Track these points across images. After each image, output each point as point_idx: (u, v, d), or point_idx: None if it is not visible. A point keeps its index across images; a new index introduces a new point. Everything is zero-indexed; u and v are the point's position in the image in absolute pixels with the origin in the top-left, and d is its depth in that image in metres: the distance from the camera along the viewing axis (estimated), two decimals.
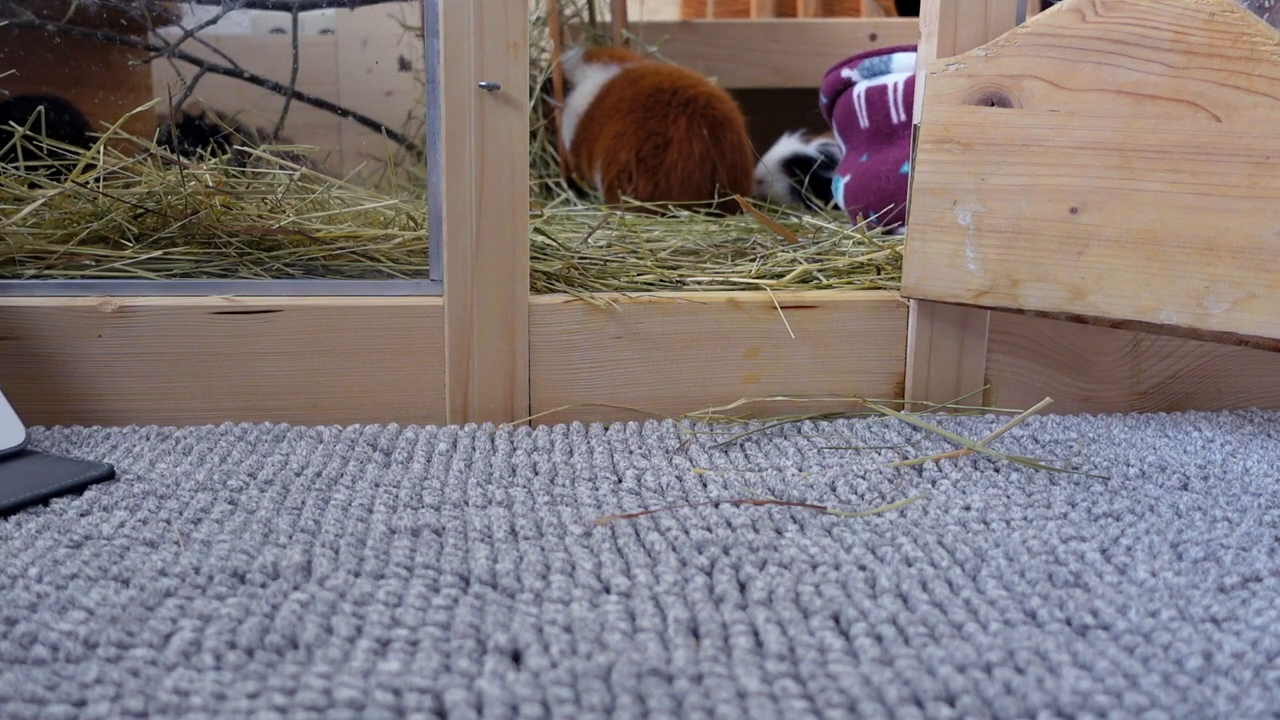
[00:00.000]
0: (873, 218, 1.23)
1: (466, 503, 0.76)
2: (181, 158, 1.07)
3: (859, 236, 1.13)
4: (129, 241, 0.98)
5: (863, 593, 0.62)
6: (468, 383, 0.94)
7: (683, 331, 0.95)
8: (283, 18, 1.47)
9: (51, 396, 0.91)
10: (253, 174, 1.09)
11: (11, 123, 1.05)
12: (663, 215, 1.42)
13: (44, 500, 0.75)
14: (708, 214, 1.42)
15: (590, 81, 1.63)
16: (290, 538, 0.68)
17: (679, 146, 1.48)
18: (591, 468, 0.83)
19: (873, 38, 1.96)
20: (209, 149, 1.11)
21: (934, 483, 0.80)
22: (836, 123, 1.37)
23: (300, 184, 1.08)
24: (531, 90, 1.63)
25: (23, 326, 0.90)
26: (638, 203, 1.45)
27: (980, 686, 0.52)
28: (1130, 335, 0.99)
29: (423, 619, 0.58)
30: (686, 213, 1.42)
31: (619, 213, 1.41)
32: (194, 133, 1.33)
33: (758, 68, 1.96)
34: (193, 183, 1.00)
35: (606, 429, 0.92)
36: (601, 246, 1.12)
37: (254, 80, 1.40)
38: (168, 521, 0.71)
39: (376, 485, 0.78)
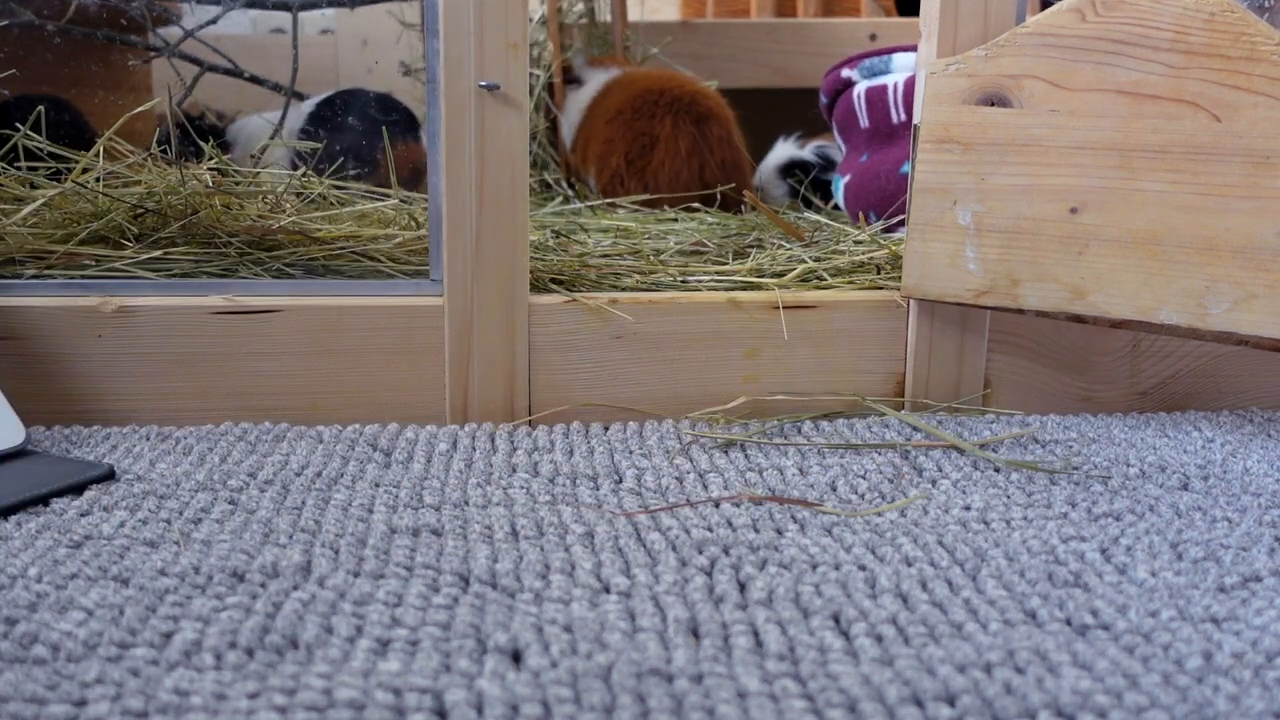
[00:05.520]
0: (878, 224, 1.23)
1: (466, 503, 0.76)
2: (180, 158, 1.07)
3: (862, 235, 1.13)
4: (129, 241, 0.98)
5: (863, 593, 0.62)
6: (468, 383, 0.94)
7: (683, 331, 0.95)
8: (283, 18, 1.47)
9: (51, 396, 0.91)
10: (252, 174, 1.09)
11: (13, 124, 1.05)
12: (661, 210, 1.43)
13: (44, 500, 0.75)
14: (707, 211, 1.42)
15: (589, 85, 1.64)
16: (290, 538, 0.68)
17: (665, 145, 1.48)
18: (592, 468, 0.83)
19: (873, 38, 1.96)
20: (210, 148, 1.11)
21: (934, 483, 0.80)
22: (836, 123, 1.37)
23: (300, 183, 1.08)
24: (532, 89, 1.63)
25: (23, 326, 0.90)
26: (633, 204, 1.45)
27: (980, 686, 0.52)
28: (1130, 335, 0.99)
29: (423, 619, 0.58)
30: (686, 212, 1.42)
31: (618, 213, 1.41)
32: (194, 133, 1.33)
33: (758, 68, 1.96)
34: (193, 182, 1.00)
35: (606, 429, 0.92)
36: (601, 246, 1.12)
37: (254, 80, 1.40)
38: (168, 521, 0.71)
39: (376, 485, 0.78)
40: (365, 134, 1.33)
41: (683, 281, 1.01)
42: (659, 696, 0.51)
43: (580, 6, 1.86)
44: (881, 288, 1.00)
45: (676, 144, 1.49)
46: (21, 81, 1.21)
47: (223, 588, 0.61)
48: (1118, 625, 0.58)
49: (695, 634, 0.57)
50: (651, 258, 1.07)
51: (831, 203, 1.47)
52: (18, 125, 1.05)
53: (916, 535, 0.70)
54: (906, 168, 1.18)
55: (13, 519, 0.72)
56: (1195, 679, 0.53)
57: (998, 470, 0.83)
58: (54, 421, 0.91)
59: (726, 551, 0.67)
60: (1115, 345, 0.99)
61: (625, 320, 0.94)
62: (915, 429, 0.92)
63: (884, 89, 1.28)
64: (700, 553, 0.67)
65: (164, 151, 1.06)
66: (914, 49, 1.21)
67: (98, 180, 1.01)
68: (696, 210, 1.43)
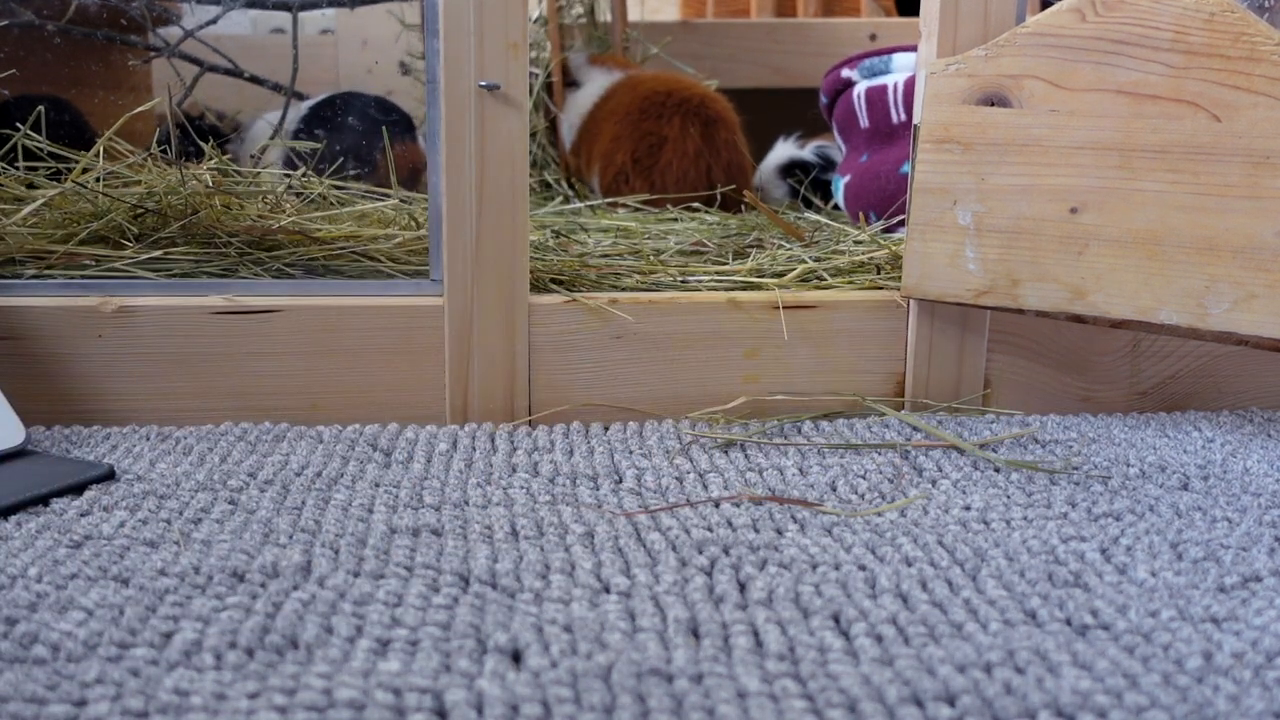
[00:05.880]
0: (878, 224, 1.23)
1: (466, 503, 0.76)
2: (181, 158, 1.07)
3: (862, 235, 1.13)
4: (129, 241, 0.98)
5: (863, 593, 0.62)
6: (468, 383, 0.94)
7: (683, 331, 0.95)
8: (283, 18, 1.47)
9: (51, 396, 0.91)
10: (252, 173, 1.09)
11: (13, 124, 1.05)
12: (662, 209, 1.43)
13: (44, 500, 0.75)
14: (707, 211, 1.42)
15: (592, 86, 1.64)
16: (290, 538, 0.68)
17: (673, 145, 1.49)
18: (592, 468, 0.83)
19: (873, 38, 1.96)
20: (210, 148, 1.11)
21: (934, 483, 0.80)
22: (836, 123, 1.37)
23: (300, 183, 1.08)
24: (532, 89, 1.63)
25: (23, 326, 0.90)
26: (635, 202, 1.46)
27: (980, 686, 0.52)
28: (1130, 335, 0.99)
29: (423, 619, 0.58)
30: (687, 212, 1.42)
31: (618, 212, 1.41)
32: (194, 133, 1.33)
33: (758, 68, 1.96)
34: (193, 182, 1.00)
35: (606, 429, 0.92)
36: (601, 246, 1.12)
37: (254, 80, 1.40)
38: (168, 521, 0.71)
39: (376, 485, 0.78)
40: (360, 135, 1.34)
41: (683, 281, 1.01)
42: (659, 696, 0.51)
43: (579, 7, 1.86)
44: (881, 288, 1.00)
45: (685, 145, 1.49)
46: (21, 81, 1.21)
47: (223, 588, 0.61)
48: (1118, 625, 0.58)
49: (695, 634, 0.57)
50: (651, 258, 1.07)
51: (831, 203, 1.47)
52: (18, 125, 1.05)
53: (916, 535, 0.70)
54: (906, 168, 1.18)
55: (13, 519, 0.72)
56: (1195, 679, 0.53)
57: (998, 470, 0.83)
58: (54, 421, 0.91)
59: (726, 551, 0.67)
60: (1115, 345, 0.99)
61: (625, 320, 0.94)
62: (915, 429, 0.92)
63: (884, 89, 1.28)
64: (700, 553, 0.67)
65: (164, 152, 1.06)
66: (914, 49, 1.21)
67: (98, 180, 1.01)
68: (697, 210, 1.43)
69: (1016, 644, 0.56)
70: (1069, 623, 0.59)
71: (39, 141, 1.05)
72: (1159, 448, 0.88)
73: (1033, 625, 0.59)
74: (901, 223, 1.17)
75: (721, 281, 1.01)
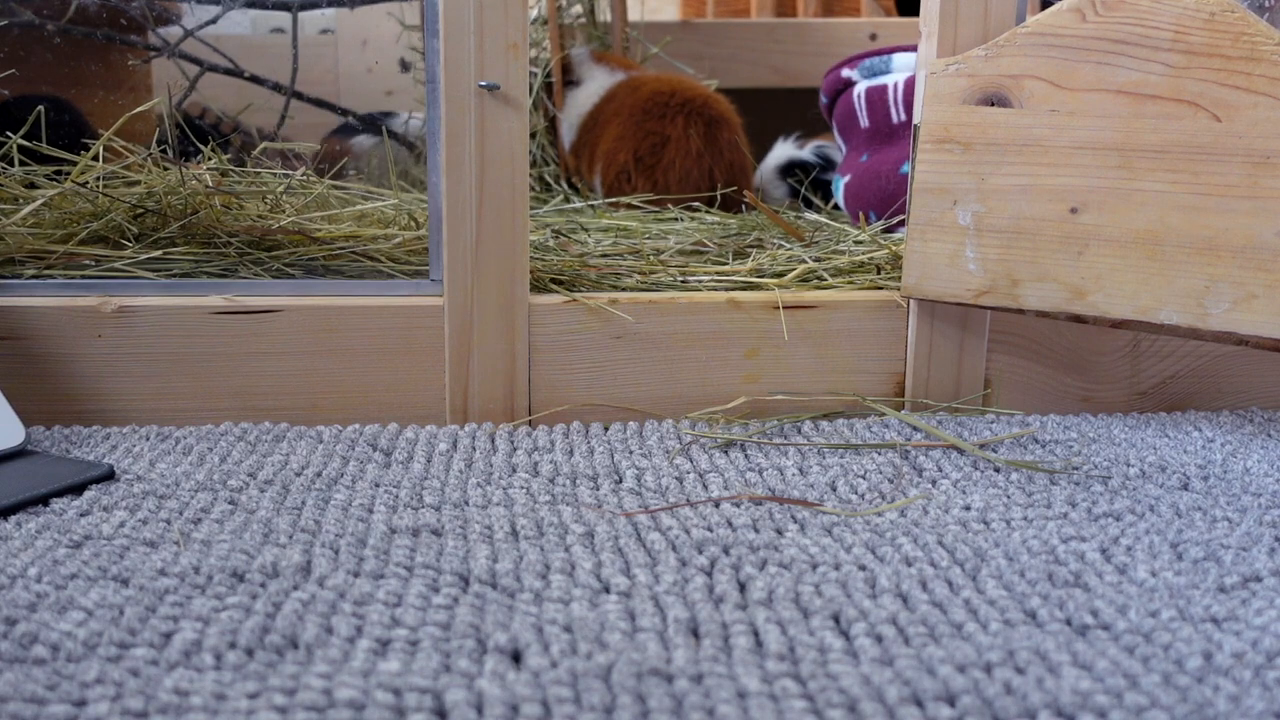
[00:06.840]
0: (878, 224, 1.23)
1: (466, 503, 0.76)
2: (181, 158, 1.07)
3: (862, 235, 1.13)
4: (129, 241, 0.98)
5: (863, 593, 0.62)
6: (468, 383, 0.94)
7: (683, 331, 0.95)
8: (283, 18, 1.47)
9: (51, 396, 0.91)
10: (254, 173, 1.09)
11: (11, 124, 1.05)
12: (663, 209, 1.43)
13: (44, 500, 0.75)
14: (708, 211, 1.42)
15: (593, 85, 1.64)
16: (290, 538, 0.68)
17: (676, 145, 1.49)
18: (592, 467, 0.83)
19: (873, 38, 1.96)
20: (208, 147, 1.11)
21: (934, 483, 0.80)
22: (836, 123, 1.37)
23: (300, 182, 1.08)
24: (531, 89, 1.63)
25: (23, 326, 0.90)
26: (637, 202, 1.46)
27: (980, 686, 0.52)
28: (1130, 335, 0.99)
29: (423, 619, 0.58)
30: (687, 212, 1.42)
31: (618, 212, 1.41)
32: (194, 132, 1.33)
33: (758, 68, 1.97)
34: (193, 182, 1.00)
35: (606, 429, 0.92)
36: (602, 246, 1.12)
37: (254, 80, 1.40)
38: (168, 521, 0.71)
39: (376, 485, 0.78)
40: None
41: (683, 281, 1.01)
42: (659, 696, 0.51)
43: (579, 7, 1.86)
44: (881, 288, 1.00)
45: (687, 144, 1.49)
46: (21, 81, 1.21)
47: (223, 588, 0.61)
48: (1118, 625, 0.58)
49: (695, 634, 0.57)
50: (651, 258, 1.07)
51: (831, 203, 1.47)
52: (18, 125, 1.05)
53: (916, 535, 0.70)
54: (906, 168, 1.18)
55: (13, 519, 0.72)
56: (1195, 679, 0.53)
57: (998, 470, 0.83)
58: (54, 421, 0.91)
59: (726, 551, 0.67)
60: (1115, 345, 0.99)
61: (625, 320, 0.94)
62: (915, 429, 0.92)
63: (884, 89, 1.28)
64: (700, 553, 0.67)
65: (164, 153, 1.06)
66: (914, 49, 1.21)
67: (98, 180, 1.01)
68: (697, 210, 1.43)
69: (1016, 644, 0.56)
70: (1069, 623, 0.59)
71: (36, 146, 1.05)
72: (1159, 448, 0.88)
73: (1033, 625, 0.59)
74: (901, 223, 1.17)
75: (721, 281, 1.01)
